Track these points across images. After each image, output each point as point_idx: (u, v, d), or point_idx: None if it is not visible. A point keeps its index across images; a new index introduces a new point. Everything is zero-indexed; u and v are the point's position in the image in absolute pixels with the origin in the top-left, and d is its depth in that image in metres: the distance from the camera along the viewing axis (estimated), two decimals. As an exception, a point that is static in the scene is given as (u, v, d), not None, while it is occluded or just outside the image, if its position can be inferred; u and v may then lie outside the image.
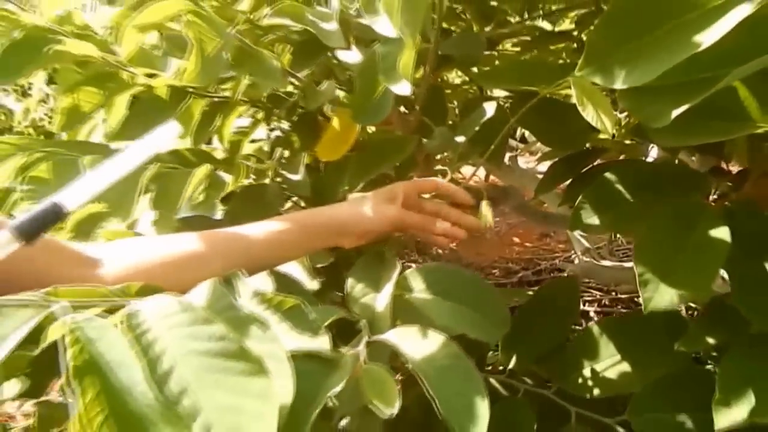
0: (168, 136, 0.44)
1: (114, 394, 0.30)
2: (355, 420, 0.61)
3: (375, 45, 0.58)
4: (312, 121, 0.92)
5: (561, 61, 1.15)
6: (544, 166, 1.02)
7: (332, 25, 0.60)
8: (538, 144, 2.04)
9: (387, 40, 0.49)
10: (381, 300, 0.54)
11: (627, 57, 0.38)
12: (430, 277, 0.56)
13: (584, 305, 1.86)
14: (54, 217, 0.37)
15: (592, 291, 1.94)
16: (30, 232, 0.36)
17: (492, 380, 0.81)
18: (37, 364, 0.44)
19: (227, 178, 0.77)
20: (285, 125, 1.09)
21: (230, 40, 0.57)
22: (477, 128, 0.70)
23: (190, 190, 0.69)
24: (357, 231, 0.62)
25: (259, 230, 0.57)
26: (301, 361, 0.42)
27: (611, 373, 0.72)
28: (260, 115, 0.97)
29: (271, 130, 1.16)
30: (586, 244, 1.56)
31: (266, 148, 1.12)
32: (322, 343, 0.43)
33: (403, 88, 0.47)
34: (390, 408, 0.42)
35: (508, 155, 1.44)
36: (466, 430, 0.43)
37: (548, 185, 0.89)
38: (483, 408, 0.45)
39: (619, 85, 0.39)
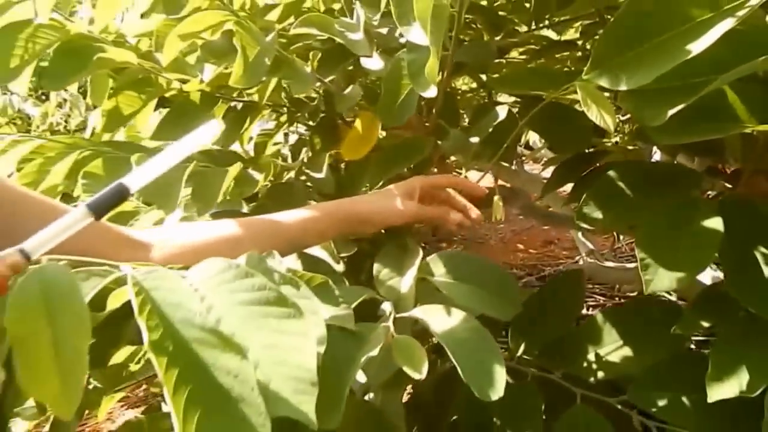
0: (212, 131, 0.46)
1: (173, 327, 0.34)
2: (378, 395, 0.67)
3: (398, 53, 0.64)
4: (332, 123, 0.98)
5: (566, 69, 1.21)
6: (548, 173, 1.08)
7: (359, 35, 0.66)
8: (543, 151, 2.11)
9: (412, 48, 0.55)
10: (405, 282, 0.60)
11: (628, 62, 0.44)
12: (449, 263, 0.62)
13: (588, 310, 1.92)
14: (120, 196, 0.40)
15: (596, 296, 1.99)
16: (100, 209, 0.40)
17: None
18: (98, 334, 0.49)
19: (257, 176, 0.83)
20: (302, 128, 1.15)
21: (268, 47, 0.63)
22: (489, 130, 0.75)
23: (224, 187, 0.75)
24: (378, 221, 0.69)
25: (290, 217, 0.64)
26: (335, 332, 0.48)
27: (614, 357, 0.78)
28: (283, 118, 1.03)
29: (286, 134, 1.22)
30: (591, 246, 1.62)
31: (284, 150, 1.18)
32: (348, 315, 0.49)
33: (429, 91, 0.53)
34: (419, 372, 0.48)
35: (514, 161, 1.50)
36: (486, 392, 0.49)
37: (555, 185, 0.95)
38: (501, 374, 0.50)
39: (621, 87, 0.45)
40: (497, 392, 0.50)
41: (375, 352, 0.47)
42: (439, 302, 0.57)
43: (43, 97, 2.83)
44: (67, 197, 0.90)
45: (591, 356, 0.81)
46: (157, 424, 0.94)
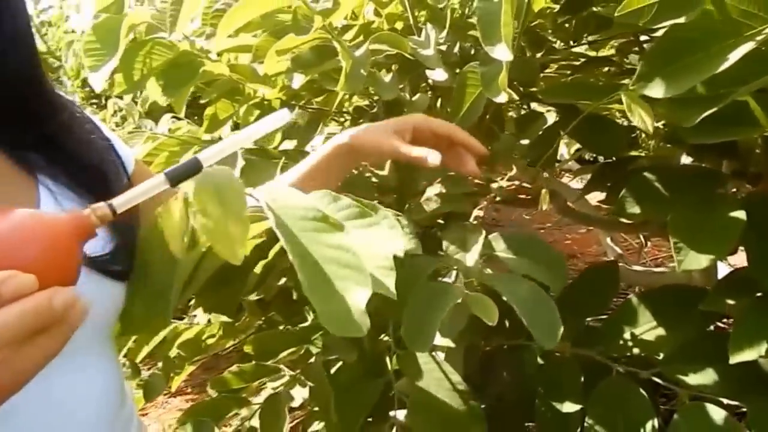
0: (283, 119, 0.49)
1: (293, 218, 0.48)
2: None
3: (466, 66, 0.76)
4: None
5: (599, 82, 1.32)
6: (576, 183, 1.19)
7: (430, 51, 0.78)
8: (571, 162, 2.22)
9: (485, 62, 0.67)
10: (471, 256, 0.72)
11: (668, 76, 0.55)
12: (508, 241, 0.73)
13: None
14: (195, 169, 0.45)
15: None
16: (175, 179, 0.44)
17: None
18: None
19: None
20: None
21: (362, 60, 0.75)
22: (539, 133, 0.87)
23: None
24: (373, 155, 0.72)
25: (305, 167, 0.73)
26: (427, 284, 0.61)
27: (648, 336, 0.88)
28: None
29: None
30: (618, 251, 1.72)
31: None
32: (417, 244, 0.62)
33: (500, 97, 0.65)
34: (492, 320, 0.60)
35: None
36: (546, 340, 0.60)
37: (592, 188, 1.06)
38: (558, 328, 0.62)
39: (661, 95, 0.56)
40: (554, 340, 0.61)
41: (459, 301, 0.59)
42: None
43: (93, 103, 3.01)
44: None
45: (627, 335, 0.91)
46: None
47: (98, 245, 0.56)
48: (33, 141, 0.58)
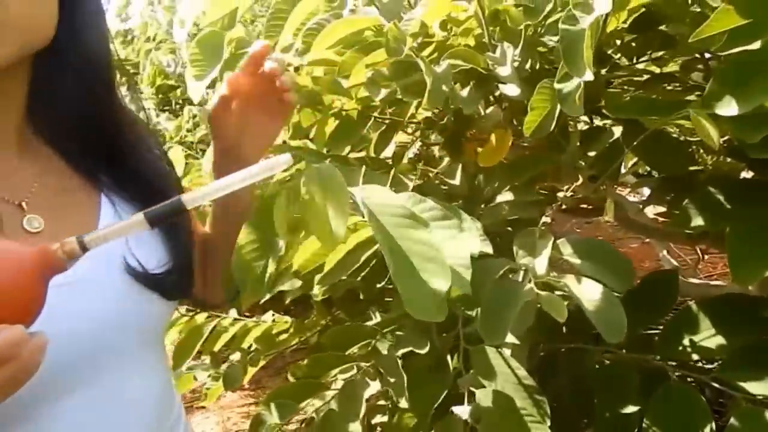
0: (281, 165, 0.45)
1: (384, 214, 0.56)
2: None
3: (541, 83, 0.82)
4: (458, 138, 1.17)
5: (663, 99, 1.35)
6: (631, 196, 1.23)
7: (507, 68, 0.84)
8: (628, 176, 2.23)
9: (563, 80, 0.72)
10: (541, 261, 0.77)
11: (737, 95, 0.60)
12: (575, 245, 0.79)
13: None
14: (176, 211, 0.43)
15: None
16: (155, 219, 0.42)
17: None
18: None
19: (407, 180, 1.02)
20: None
21: (444, 75, 0.82)
22: (606, 145, 0.92)
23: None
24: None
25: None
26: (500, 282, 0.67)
27: (707, 343, 0.91)
28: (417, 133, 1.23)
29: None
30: (675, 263, 1.73)
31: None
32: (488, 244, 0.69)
33: (578, 112, 0.70)
34: (562, 317, 0.65)
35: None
36: (612, 336, 0.65)
37: (654, 199, 1.10)
38: (623, 325, 0.67)
39: (730, 113, 0.61)
40: (620, 336, 0.66)
41: (529, 298, 0.65)
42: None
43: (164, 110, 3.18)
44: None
45: (686, 342, 0.94)
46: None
47: (152, 263, 0.60)
48: (100, 155, 0.62)
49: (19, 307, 0.36)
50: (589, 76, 0.64)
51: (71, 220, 0.58)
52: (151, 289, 0.59)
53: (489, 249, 0.73)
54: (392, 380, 0.83)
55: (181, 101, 3.06)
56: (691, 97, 1.02)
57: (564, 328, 1.05)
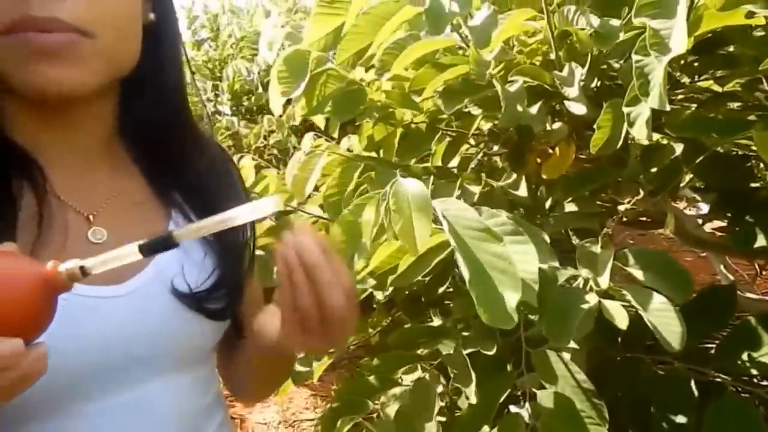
0: (269, 208, 0.44)
1: (462, 227, 0.61)
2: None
3: (608, 103, 0.86)
4: (521, 150, 1.21)
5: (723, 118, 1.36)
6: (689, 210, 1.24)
7: (575, 89, 0.88)
8: (686, 190, 2.22)
9: (631, 103, 0.76)
10: (604, 273, 0.81)
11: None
12: (636, 256, 0.82)
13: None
14: (167, 245, 0.44)
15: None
16: (149, 250, 0.43)
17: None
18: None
19: (474, 188, 1.07)
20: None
21: (518, 95, 0.87)
22: (666, 162, 0.95)
23: (454, 195, 1.00)
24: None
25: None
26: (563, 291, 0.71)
27: (766, 359, 0.93)
28: (481, 144, 1.28)
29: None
30: (731, 278, 1.72)
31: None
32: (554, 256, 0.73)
33: (644, 135, 0.74)
34: (623, 325, 0.69)
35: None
36: (671, 345, 0.69)
37: (714, 215, 1.12)
38: (682, 334, 0.70)
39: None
40: (678, 345, 0.69)
41: (592, 304, 0.69)
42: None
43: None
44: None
45: (744, 356, 0.96)
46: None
47: (197, 281, 0.60)
48: (174, 174, 0.65)
49: (22, 321, 0.38)
50: (662, 105, 0.67)
51: (135, 235, 0.54)
52: (195, 310, 0.60)
53: (555, 262, 0.77)
54: (460, 377, 0.88)
55: (255, 107, 3.19)
56: (753, 117, 1.03)
57: (620, 337, 1.08)
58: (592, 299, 0.72)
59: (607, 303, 0.72)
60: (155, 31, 0.60)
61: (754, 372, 0.93)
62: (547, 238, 0.75)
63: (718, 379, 0.95)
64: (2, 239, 0.45)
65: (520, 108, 0.83)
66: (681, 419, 0.93)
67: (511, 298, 0.60)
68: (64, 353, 0.50)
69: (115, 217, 0.60)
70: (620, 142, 0.80)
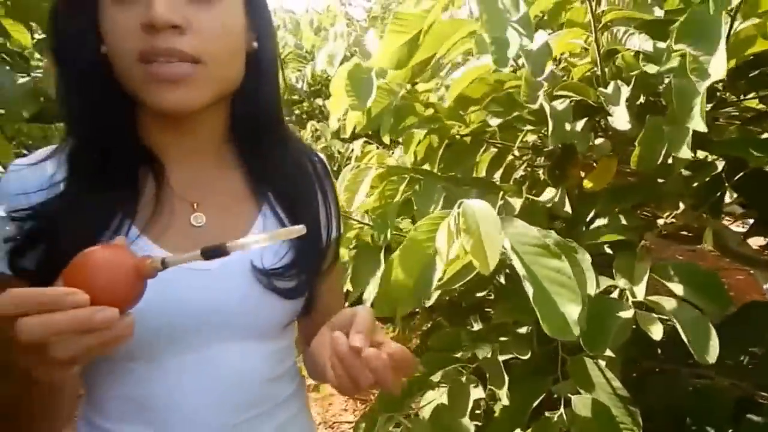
0: (294, 234, 0.53)
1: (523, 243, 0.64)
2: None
3: (649, 121, 0.88)
4: (564, 164, 1.24)
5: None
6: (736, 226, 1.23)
7: (621, 107, 0.90)
8: (734, 206, 2.19)
9: (671, 120, 0.79)
10: (640, 284, 0.83)
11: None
12: (676, 269, 0.84)
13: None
14: (221, 252, 0.51)
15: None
16: (208, 256, 0.51)
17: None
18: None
19: (515, 201, 1.11)
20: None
21: (566, 113, 0.91)
22: (706, 179, 0.96)
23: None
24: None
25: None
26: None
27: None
28: (525, 157, 1.31)
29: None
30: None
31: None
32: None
33: (687, 154, 0.76)
34: (657, 336, 0.71)
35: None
36: (704, 356, 0.71)
37: (756, 231, 1.12)
38: (715, 347, 0.72)
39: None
40: (712, 357, 0.71)
41: (629, 315, 0.72)
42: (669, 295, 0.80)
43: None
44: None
45: (783, 371, 0.96)
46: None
47: (272, 263, 0.70)
48: (268, 180, 0.76)
49: (119, 297, 0.49)
50: (702, 127, 0.70)
51: (229, 223, 0.72)
52: (267, 287, 0.69)
53: (591, 274, 0.79)
54: (494, 379, 0.91)
55: (305, 115, 3.32)
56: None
57: (659, 349, 1.09)
58: (627, 310, 0.75)
59: (643, 314, 0.75)
60: (257, 55, 0.71)
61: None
62: (588, 258, 0.78)
63: (755, 394, 0.96)
64: (127, 214, 0.64)
65: (568, 126, 0.86)
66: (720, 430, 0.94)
67: (572, 312, 0.64)
68: (163, 310, 0.63)
69: (214, 206, 0.72)
70: (660, 159, 0.82)
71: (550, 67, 0.95)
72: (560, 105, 0.92)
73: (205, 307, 0.67)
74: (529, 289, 0.60)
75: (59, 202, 0.64)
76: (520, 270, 0.61)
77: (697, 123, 0.70)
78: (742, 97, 1.28)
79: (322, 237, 0.79)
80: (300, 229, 0.53)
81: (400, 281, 0.74)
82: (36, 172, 0.66)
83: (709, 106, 1.27)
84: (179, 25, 0.60)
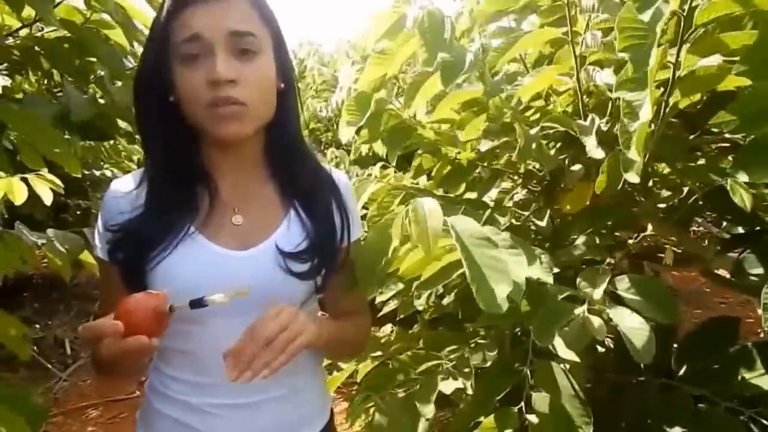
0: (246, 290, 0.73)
1: (467, 234, 0.73)
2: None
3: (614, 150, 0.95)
4: (552, 188, 1.31)
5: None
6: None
7: (592, 138, 0.98)
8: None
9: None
10: (598, 291, 0.90)
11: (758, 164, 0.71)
12: (630, 282, 0.91)
13: None
14: (201, 304, 0.71)
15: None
16: (192, 305, 0.71)
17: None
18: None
19: (502, 219, 1.19)
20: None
21: (534, 138, 0.99)
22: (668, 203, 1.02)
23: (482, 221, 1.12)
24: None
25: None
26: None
27: (759, 381, 0.98)
28: (518, 181, 1.39)
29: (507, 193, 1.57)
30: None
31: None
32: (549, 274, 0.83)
33: (634, 178, 0.83)
34: (600, 337, 0.78)
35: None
36: (641, 358, 0.78)
37: (726, 249, 1.17)
38: (651, 349, 0.78)
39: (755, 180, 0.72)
40: (648, 358, 0.78)
41: (579, 312, 0.79)
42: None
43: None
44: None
45: (739, 377, 1.01)
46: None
47: (291, 245, 0.86)
48: (294, 190, 0.91)
49: (150, 329, 0.69)
50: (637, 158, 0.78)
51: (259, 225, 0.88)
52: (284, 270, 0.84)
53: (549, 278, 0.87)
54: (464, 373, 1.00)
55: (329, 143, 3.44)
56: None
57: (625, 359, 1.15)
58: (579, 310, 0.82)
59: (588, 316, 0.82)
60: (284, 93, 0.87)
61: (747, 393, 0.98)
62: (545, 259, 0.86)
63: (714, 398, 1.01)
64: (187, 221, 0.83)
65: (533, 147, 0.95)
66: (675, 430, 0.99)
67: (502, 290, 0.73)
68: (215, 285, 0.75)
69: (250, 210, 0.88)
70: (620, 185, 0.90)
71: (517, 99, 1.03)
72: (533, 130, 1.00)
73: (244, 283, 0.78)
74: (467, 270, 0.69)
75: (141, 217, 0.84)
76: (461, 254, 0.71)
77: (633, 154, 0.78)
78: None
79: (336, 235, 0.92)
80: (246, 290, 0.72)
81: (365, 266, 0.84)
82: (126, 197, 0.86)
83: (692, 136, 1.33)
84: (234, 80, 0.78)
